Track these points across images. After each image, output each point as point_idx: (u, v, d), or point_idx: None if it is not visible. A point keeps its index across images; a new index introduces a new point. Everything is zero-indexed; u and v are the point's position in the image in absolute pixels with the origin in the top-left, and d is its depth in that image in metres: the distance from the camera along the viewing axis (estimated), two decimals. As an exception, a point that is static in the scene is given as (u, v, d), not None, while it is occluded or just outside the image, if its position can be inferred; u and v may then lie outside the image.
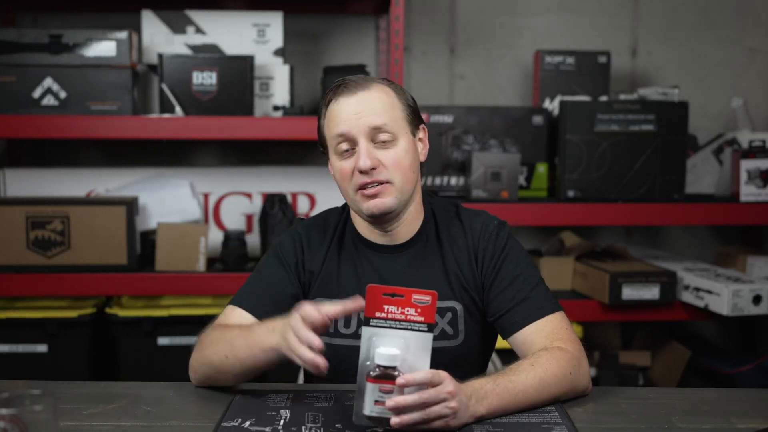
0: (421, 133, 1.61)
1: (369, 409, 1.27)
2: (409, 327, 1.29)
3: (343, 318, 1.58)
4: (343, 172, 1.54)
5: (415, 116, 1.59)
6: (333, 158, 1.57)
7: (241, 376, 1.49)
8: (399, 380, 1.25)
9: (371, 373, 1.27)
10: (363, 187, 1.52)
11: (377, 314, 1.29)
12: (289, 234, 1.66)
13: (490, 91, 3.27)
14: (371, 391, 1.27)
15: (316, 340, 1.29)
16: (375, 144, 1.52)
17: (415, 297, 1.28)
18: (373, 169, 1.51)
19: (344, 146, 1.53)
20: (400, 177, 1.53)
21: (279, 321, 1.39)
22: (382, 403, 1.26)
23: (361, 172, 1.51)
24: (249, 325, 1.49)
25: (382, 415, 1.26)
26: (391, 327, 1.29)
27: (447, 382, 1.27)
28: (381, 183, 1.52)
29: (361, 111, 1.51)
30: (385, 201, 1.53)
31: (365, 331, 1.30)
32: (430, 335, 1.29)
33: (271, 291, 1.59)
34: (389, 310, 1.29)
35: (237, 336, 1.46)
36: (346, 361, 1.57)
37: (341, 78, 1.57)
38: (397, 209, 1.56)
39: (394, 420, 1.25)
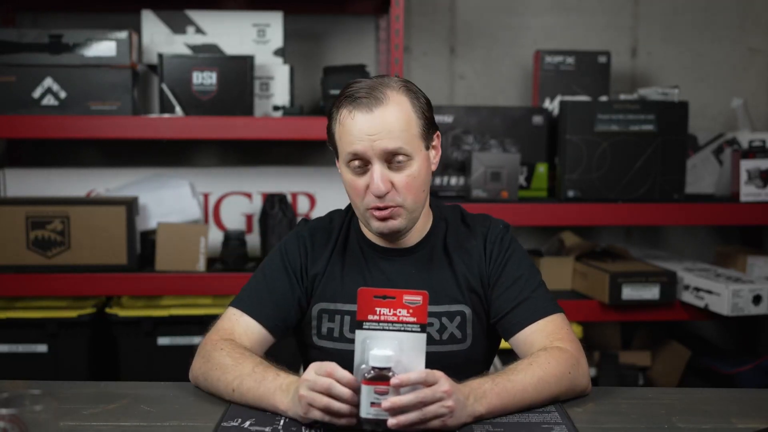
0: (435, 140, 1.58)
1: (365, 411, 1.27)
2: (402, 328, 1.29)
3: (349, 322, 1.58)
4: (355, 188, 1.52)
5: (430, 125, 1.54)
6: (344, 169, 1.53)
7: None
8: (393, 381, 1.25)
9: (366, 375, 1.27)
10: (374, 208, 1.51)
11: (369, 317, 1.29)
12: (294, 236, 1.64)
13: (490, 91, 3.27)
14: (366, 393, 1.26)
15: (354, 379, 1.27)
16: (390, 165, 1.49)
17: (407, 298, 1.28)
18: (387, 192, 1.49)
19: (357, 164, 1.50)
20: (412, 199, 1.51)
21: (292, 379, 1.36)
22: (378, 404, 1.26)
23: (375, 195, 1.49)
24: (262, 366, 1.43)
25: (379, 417, 1.26)
26: (384, 329, 1.29)
27: (442, 381, 1.27)
28: (392, 207, 1.50)
29: (377, 132, 1.46)
30: (396, 223, 1.52)
31: (358, 334, 1.30)
32: (424, 335, 1.29)
33: (274, 296, 1.59)
34: (381, 312, 1.29)
35: (247, 377, 1.41)
36: (351, 365, 1.57)
37: (356, 81, 1.52)
38: (407, 227, 1.56)
39: (391, 421, 1.25)
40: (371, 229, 1.56)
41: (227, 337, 1.53)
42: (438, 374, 1.27)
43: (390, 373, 1.26)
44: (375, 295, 1.29)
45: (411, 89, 1.53)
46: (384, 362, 1.27)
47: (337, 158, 1.57)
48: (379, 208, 1.50)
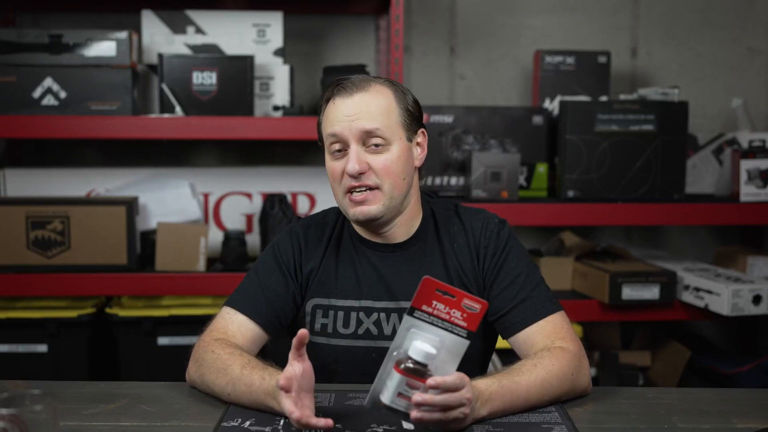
0: (420, 138, 1.60)
1: (390, 399, 1.25)
2: (450, 329, 1.26)
3: (342, 318, 1.58)
4: (333, 172, 1.55)
5: (413, 120, 1.57)
6: (327, 156, 1.57)
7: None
8: (429, 381, 1.23)
9: (402, 365, 1.25)
10: (351, 190, 1.52)
11: (424, 307, 1.26)
12: (287, 233, 1.65)
13: (490, 91, 3.27)
14: (397, 382, 1.25)
15: (296, 413, 1.25)
16: (366, 147, 1.51)
17: (466, 302, 1.26)
18: (362, 173, 1.50)
19: (336, 146, 1.53)
20: (389, 183, 1.52)
21: (275, 382, 1.34)
22: (405, 396, 1.24)
23: (350, 175, 1.51)
24: (248, 367, 1.42)
25: (401, 408, 1.25)
26: (432, 323, 1.26)
27: (468, 388, 1.26)
28: (369, 188, 1.51)
29: (355, 113, 1.50)
30: (371, 208, 1.52)
31: (406, 320, 1.27)
32: (467, 342, 1.27)
33: (268, 294, 1.59)
34: (436, 307, 1.26)
35: (238, 381, 1.41)
36: (344, 361, 1.56)
37: (342, 77, 1.56)
38: (386, 216, 1.55)
39: (415, 414, 1.23)
40: (350, 218, 1.56)
41: (220, 337, 1.53)
42: (466, 380, 1.26)
43: (427, 370, 1.25)
44: (437, 289, 1.26)
45: (398, 85, 1.57)
46: (425, 358, 1.25)
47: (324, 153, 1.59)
48: (354, 190, 1.51)
